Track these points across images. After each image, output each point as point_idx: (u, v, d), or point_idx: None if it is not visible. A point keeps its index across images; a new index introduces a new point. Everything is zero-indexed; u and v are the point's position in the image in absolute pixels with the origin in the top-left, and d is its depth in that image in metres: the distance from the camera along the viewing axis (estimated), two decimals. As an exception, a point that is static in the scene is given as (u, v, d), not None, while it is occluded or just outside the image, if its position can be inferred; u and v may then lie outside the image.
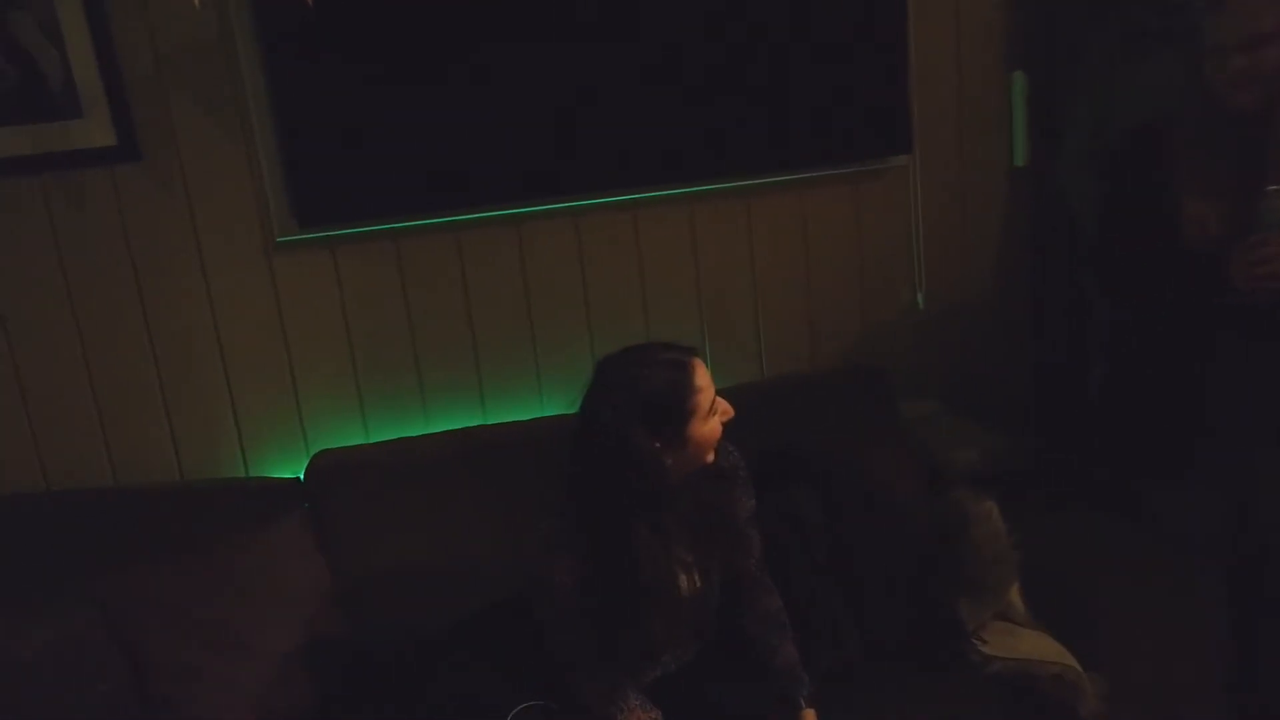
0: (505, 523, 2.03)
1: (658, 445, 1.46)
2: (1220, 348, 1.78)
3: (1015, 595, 1.87)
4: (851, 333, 2.47)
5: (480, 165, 2.15)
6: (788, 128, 2.28)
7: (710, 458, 1.54)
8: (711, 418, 1.51)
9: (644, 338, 2.26)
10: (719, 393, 1.54)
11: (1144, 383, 1.93)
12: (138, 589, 1.85)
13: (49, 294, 2.06)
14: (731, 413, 1.54)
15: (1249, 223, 1.59)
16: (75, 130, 2.00)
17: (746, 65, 2.22)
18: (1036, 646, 1.77)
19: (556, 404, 2.31)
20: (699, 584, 1.63)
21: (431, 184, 2.14)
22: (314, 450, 2.13)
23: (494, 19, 2.08)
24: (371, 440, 2.23)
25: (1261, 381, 1.75)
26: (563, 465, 1.53)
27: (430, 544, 2.02)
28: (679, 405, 1.46)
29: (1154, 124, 1.82)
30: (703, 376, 1.50)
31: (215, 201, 2.09)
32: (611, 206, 2.28)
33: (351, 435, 2.24)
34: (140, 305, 2.10)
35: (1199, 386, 1.82)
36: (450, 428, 2.20)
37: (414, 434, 2.20)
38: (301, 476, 2.09)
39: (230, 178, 2.09)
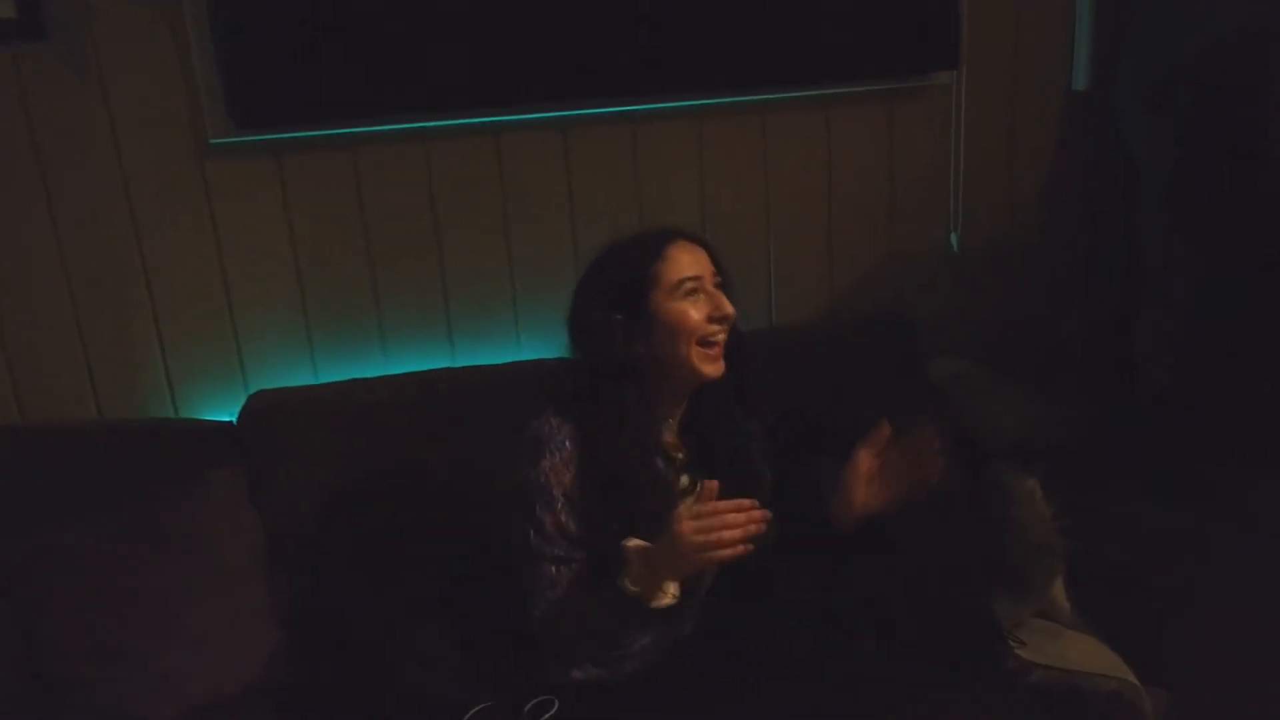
0: (469, 478, 1.78)
1: (618, 317, 1.42)
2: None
3: (1060, 591, 1.62)
4: (876, 276, 2.20)
5: (453, 62, 1.84)
6: (814, 33, 1.98)
7: (690, 353, 1.42)
8: (684, 298, 1.42)
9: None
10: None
11: (1223, 348, 1.66)
12: (37, 549, 1.59)
13: (-63, 197, 1.76)
14: (728, 310, 1.43)
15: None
16: (-36, -2, 1.67)
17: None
18: (1085, 654, 1.52)
19: (536, 347, 2.03)
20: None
21: (395, 80, 1.83)
22: (253, 390, 1.85)
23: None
24: (321, 381, 1.95)
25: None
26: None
27: (381, 501, 1.77)
28: (638, 271, 1.42)
29: (1248, 45, 1.52)
30: (680, 251, 1.44)
31: (137, 92, 1.79)
32: (606, 118, 1.97)
33: (299, 375, 1.97)
34: (49, 213, 1.81)
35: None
36: (413, 370, 1.92)
37: (371, 375, 1.92)
38: (235, 419, 1.81)
39: (155, 66, 1.78)
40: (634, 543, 1.34)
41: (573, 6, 1.86)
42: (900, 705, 1.49)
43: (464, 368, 1.94)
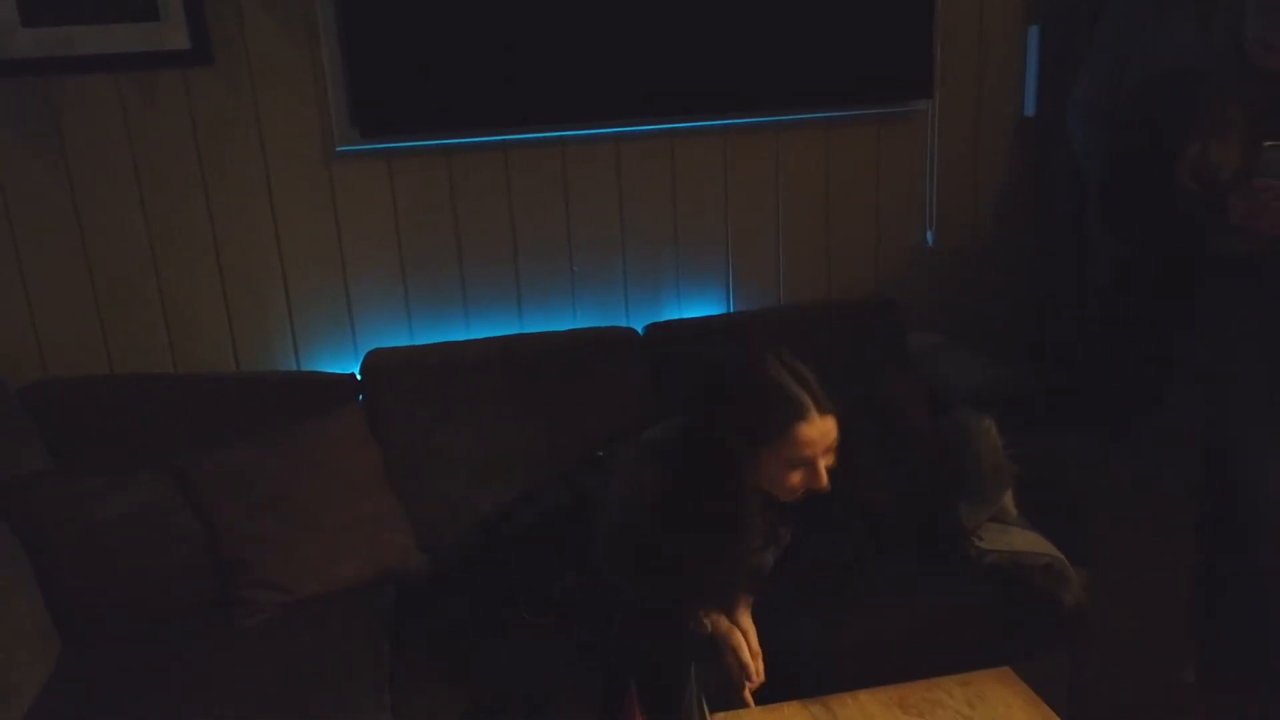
0: (539, 422, 2.21)
1: (734, 448, 1.58)
2: (1205, 289, 1.96)
3: (1009, 501, 2.07)
4: (865, 266, 2.64)
5: (530, 87, 2.28)
6: (820, 69, 2.43)
7: (779, 492, 1.65)
8: (792, 470, 1.62)
9: (674, 261, 2.44)
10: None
11: (1134, 319, 2.11)
12: (211, 464, 2.00)
13: (121, 191, 2.18)
14: (822, 486, 1.63)
15: (1254, 173, 1.76)
16: (151, 32, 2.10)
17: (788, 10, 2.36)
18: (1027, 542, 1.97)
19: (589, 316, 2.47)
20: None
21: (483, 101, 2.26)
22: (362, 350, 2.28)
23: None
24: (416, 343, 2.38)
25: (1239, 323, 1.94)
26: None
27: (473, 437, 2.19)
28: (770, 431, 1.59)
29: (1178, 75, 1.94)
30: (811, 429, 1.60)
31: (282, 109, 2.21)
32: (649, 135, 2.41)
33: (397, 337, 2.39)
34: (206, 206, 2.22)
35: (1184, 325, 2.00)
36: (489, 334, 2.36)
37: (456, 339, 2.36)
38: (357, 373, 2.24)
39: (297, 86, 2.20)
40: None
41: (625, 50, 2.30)
42: (890, 586, 1.94)
43: (531, 333, 2.37)
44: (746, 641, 1.67)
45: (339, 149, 2.25)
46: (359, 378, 2.23)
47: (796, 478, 1.62)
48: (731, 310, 2.57)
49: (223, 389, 2.16)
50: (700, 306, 2.54)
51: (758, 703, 1.65)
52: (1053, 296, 2.58)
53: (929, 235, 2.66)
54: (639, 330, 2.40)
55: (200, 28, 2.11)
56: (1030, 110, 2.59)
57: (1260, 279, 1.87)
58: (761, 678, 1.68)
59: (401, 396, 2.20)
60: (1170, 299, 2.00)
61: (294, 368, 2.36)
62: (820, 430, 1.60)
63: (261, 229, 2.27)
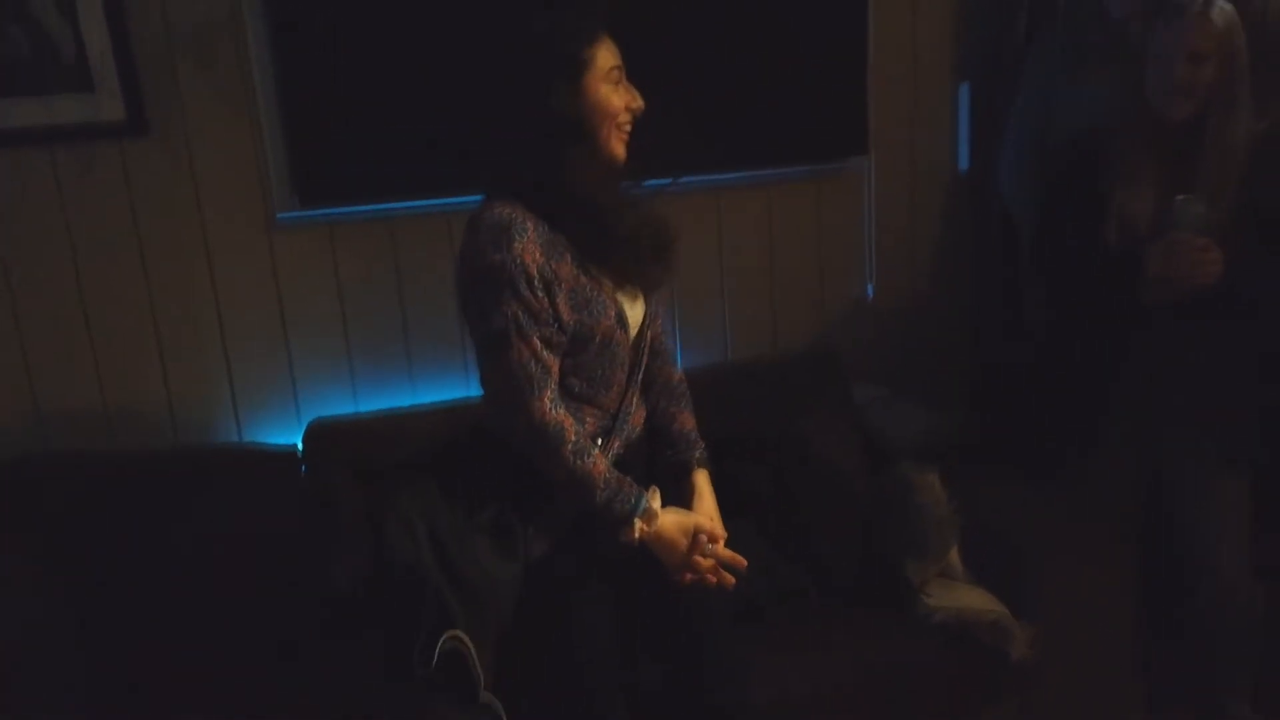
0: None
1: (565, 88, 1.52)
2: (1134, 337, 2.03)
3: (955, 556, 2.11)
4: (809, 320, 2.68)
5: (472, 153, 2.28)
6: (758, 129, 2.48)
7: (615, 146, 1.59)
8: (614, 85, 1.57)
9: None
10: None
11: (1068, 365, 2.17)
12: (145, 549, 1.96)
13: (55, 263, 2.14)
14: (641, 102, 1.61)
15: (1169, 226, 1.84)
16: (86, 103, 2.08)
17: (721, 74, 2.41)
18: (974, 599, 2.00)
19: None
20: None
21: (426, 169, 2.26)
22: (306, 418, 2.25)
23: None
24: (361, 409, 2.36)
25: (1169, 369, 2.00)
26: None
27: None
28: (580, 50, 1.53)
29: (1094, 130, 2.03)
30: (609, 40, 1.57)
31: (220, 178, 2.19)
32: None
33: (341, 404, 2.36)
34: (144, 275, 2.19)
35: (1114, 371, 2.07)
36: (436, 398, 2.34)
37: (402, 404, 2.34)
38: (299, 443, 2.21)
39: (236, 155, 2.19)
40: (659, 508, 1.58)
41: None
42: (835, 639, 1.95)
43: (479, 395, 2.35)
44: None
45: (279, 216, 2.24)
46: (300, 448, 2.20)
47: (619, 99, 1.58)
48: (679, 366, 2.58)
49: (158, 464, 2.11)
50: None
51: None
52: (991, 345, 2.64)
53: (869, 289, 2.71)
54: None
55: (136, 98, 2.10)
56: (964, 165, 2.67)
57: (1186, 326, 1.94)
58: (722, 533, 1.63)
59: (345, 467, 2.16)
60: (1102, 345, 2.06)
61: (235, 438, 2.32)
62: (614, 47, 1.58)
63: (201, 298, 2.24)
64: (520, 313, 1.50)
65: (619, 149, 1.60)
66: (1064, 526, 2.07)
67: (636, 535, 1.57)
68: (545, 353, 1.53)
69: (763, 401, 2.40)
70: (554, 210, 1.55)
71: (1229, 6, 1.84)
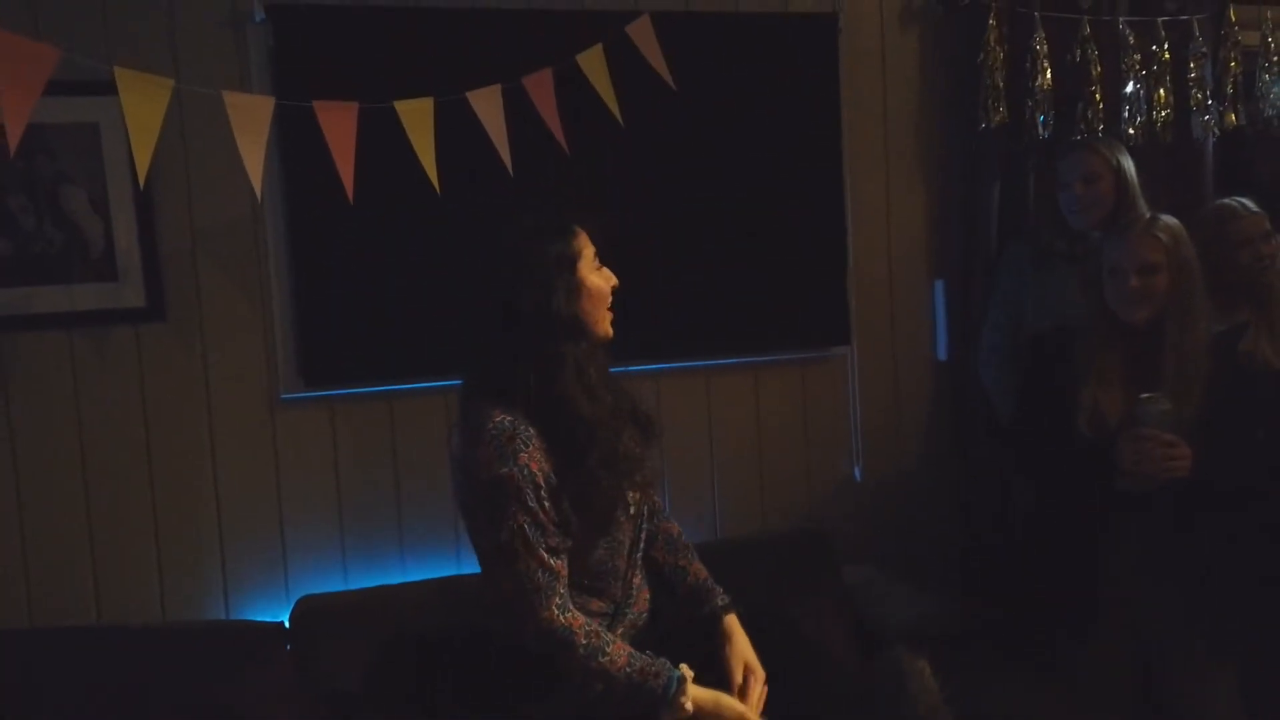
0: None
1: (560, 285, 1.59)
2: (1115, 525, 2.06)
3: (946, 746, 2.05)
4: (797, 500, 2.72)
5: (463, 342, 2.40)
6: (747, 319, 2.62)
7: (606, 326, 1.67)
8: (597, 270, 1.66)
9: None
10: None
11: (1053, 552, 2.19)
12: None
13: (62, 440, 2.21)
14: (615, 281, 1.69)
15: (1135, 423, 1.91)
16: (109, 292, 2.21)
17: (717, 270, 2.58)
18: (966, 792, 1.94)
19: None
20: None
21: (424, 355, 2.37)
22: (294, 595, 2.26)
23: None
24: (350, 586, 2.37)
25: (1151, 558, 2.03)
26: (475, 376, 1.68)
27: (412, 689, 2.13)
28: (569, 246, 1.62)
29: (1062, 328, 2.14)
30: (584, 231, 1.66)
31: (230, 360, 2.30)
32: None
33: (331, 581, 2.37)
34: (146, 453, 2.26)
35: (1099, 559, 2.09)
36: (426, 576, 2.35)
37: (392, 581, 2.35)
38: (286, 620, 2.20)
39: (246, 339, 2.31)
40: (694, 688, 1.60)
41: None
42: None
43: (469, 574, 2.37)
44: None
45: (284, 396, 2.33)
46: (287, 626, 2.19)
47: (605, 281, 1.66)
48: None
49: (142, 639, 2.11)
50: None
51: None
52: (979, 529, 2.67)
53: (857, 471, 2.76)
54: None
55: (157, 288, 2.23)
56: (943, 355, 2.78)
57: (1164, 515, 1.98)
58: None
59: (332, 645, 2.16)
60: (1084, 533, 2.09)
61: (222, 615, 2.32)
62: (587, 235, 1.67)
63: (201, 474, 2.30)
64: (527, 524, 1.53)
65: (609, 328, 1.69)
66: (1056, 717, 2.03)
67: (689, 707, 1.59)
68: (552, 560, 1.55)
69: (751, 581, 2.38)
70: (550, 411, 1.58)
71: (1174, 221, 1.99)
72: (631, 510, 1.71)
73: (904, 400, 2.81)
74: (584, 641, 1.56)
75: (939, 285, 2.78)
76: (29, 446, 2.19)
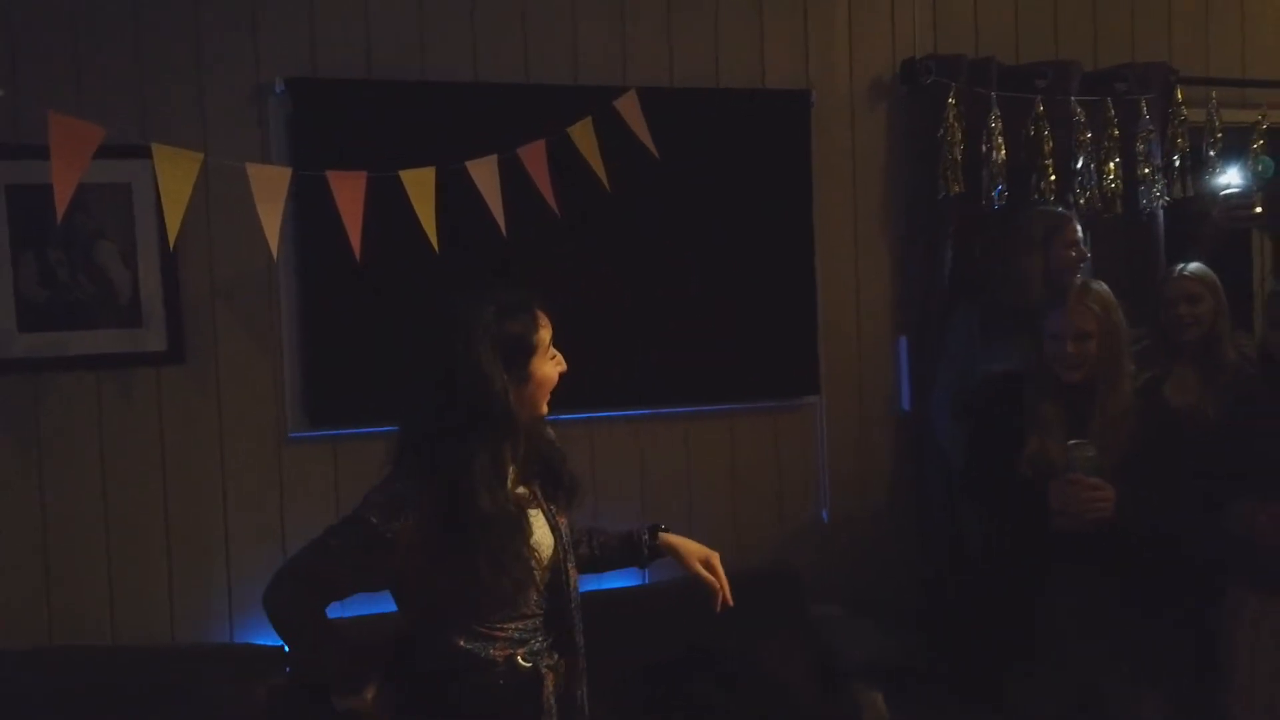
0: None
1: (505, 377, 1.54)
2: (1055, 566, 2.23)
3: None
4: (769, 540, 2.89)
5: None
6: (724, 370, 2.82)
7: (544, 406, 1.65)
8: (550, 360, 1.63)
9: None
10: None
11: (1001, 591, 2.36)
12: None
13: (86, 468, 2.40)
14: (564, 366, 1.66)
15: (1066, 467, 2.10)
16: (133, 336, 2.42)
17: (693, 324, 2.79)
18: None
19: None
20: (554, 530, 1.69)
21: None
22: (295, 621, 2.43)
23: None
24: (346, 614, 2.53)
25: (1088, 598, 2.20)
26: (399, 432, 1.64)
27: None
28: (527, 339, 1.58)
29: (1008, 382, 2.33)
30: (545, 316, 1.63)
31: (243, 400, 2.50)
32: (571, 423, 2.71)
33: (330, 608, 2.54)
34: (162, 483, 2.46)
35: (1042, 596, 2.25)
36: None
37: (389, 609, 2.51)
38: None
39: (258, 381, 2.51)
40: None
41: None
42: None
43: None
44: None
45: (291, 434, 2.52)
46: (287, 650, 2.36)
47: (555, 369, 1.64)
48: (646, 583, 2.77)
49: (151, 660, 2.28)
50: (616, 579, 2.74)
51: None
52: (936, 569, 2.83)
53: (824, 513, 2.94)
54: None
55: (178, 333, 2.44)
56: (906, 406, 2.97)
57: (1098, 556, 2.15)
58: None
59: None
60: (1025, 572, 2.25)
61: (227, 638, 2.49)
62: (543, 314, 1.63)
63: (212, 504, 2.49)
64: (349, 549, 1.56)
65: (545, 408, 1.67)
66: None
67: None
68: (324, 586, 1.64)
69: (724, 618, 2.56)
70: (448, 498, 1.54)
71: (1104, 289, 2.20)
72: (537, 575, 1.66)
73: (869, 447, 2.99)
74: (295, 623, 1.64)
75: (903, 341, 2.97)
76: (56, 473, 2.38)
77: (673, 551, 1.86)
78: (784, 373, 2.88)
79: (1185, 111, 3.03)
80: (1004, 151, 2.84)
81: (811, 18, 2.92)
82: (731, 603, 1.82)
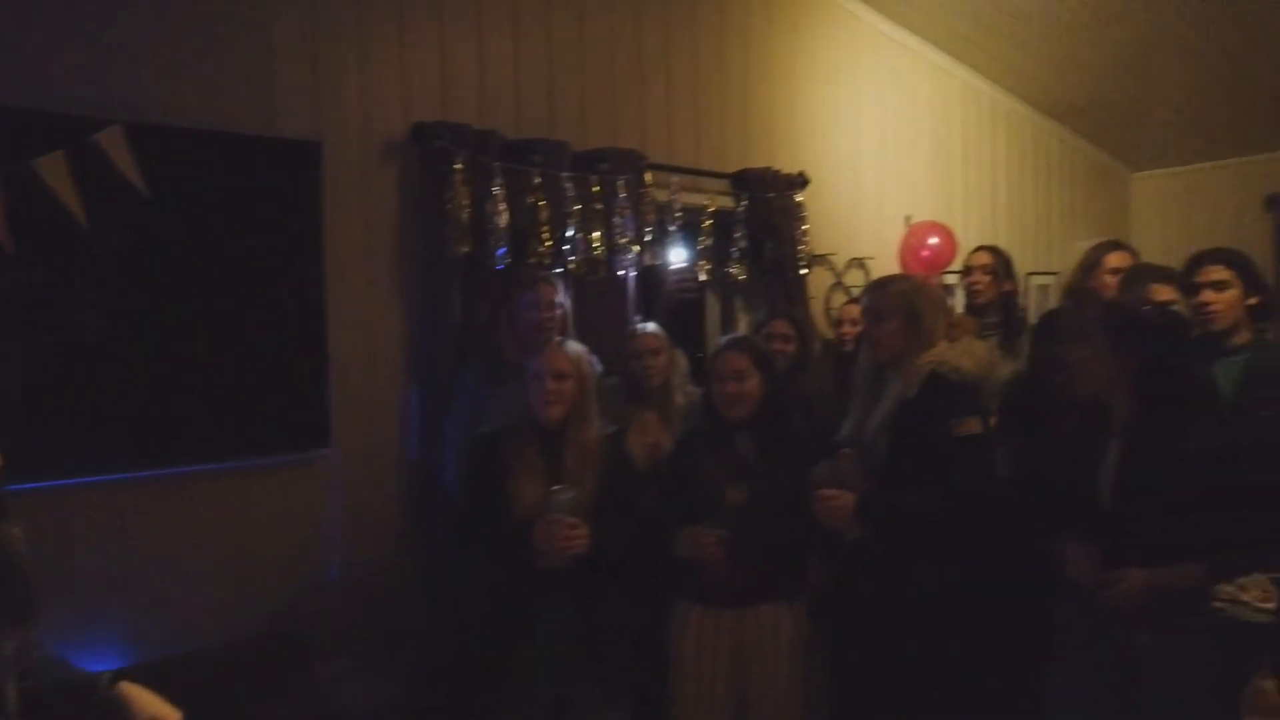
0: None
1: None
2: (541, 603, 2.45)
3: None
4: (278, 603, 2.81)
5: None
6: (225, 424, 2.69)
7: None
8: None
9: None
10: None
11: (490, 629, 2.53)
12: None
13: None
14: None
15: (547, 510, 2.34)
16: None
17: (187, 377, 2.62)
18: None
19: None
20: None
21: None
22: None
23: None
24: None
25: (569, 629, 2.45)
26: None
27: None
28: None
29: (496, 432, 2.53)
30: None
31: None
32: (32, 493, 2.36)
33: None
34: None
35: (528, 635, 2.46)
36: None
37: None
38: None
39: None
40: None
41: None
42: None
43: None
44: None
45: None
46: None
47: None
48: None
49: None
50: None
51: None
52: (439, 615, 2.96)
53: (334, 570, 2.93)
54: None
55: None
56: (414, 455, 3.07)
57: (574, 588, 2.42)
58: None
59: None
60: (516, 611, 2.45)
61: None
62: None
63: None
64: None
65: None
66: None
67: None
68: None
69: (221, 688, 2.44)
70: None
71: (577, 345, 2.51)
72: None
73: (380, 497, 3.03)
74: None
75: (414, 392, 3.07)
76: None
77: (130, 702, 1.76)
78: (293, 425, 2.82)
79: (654, 193, 3.56)
80: (507, 216, 3.09)
81: (320, 70, 2.91)
82: None
